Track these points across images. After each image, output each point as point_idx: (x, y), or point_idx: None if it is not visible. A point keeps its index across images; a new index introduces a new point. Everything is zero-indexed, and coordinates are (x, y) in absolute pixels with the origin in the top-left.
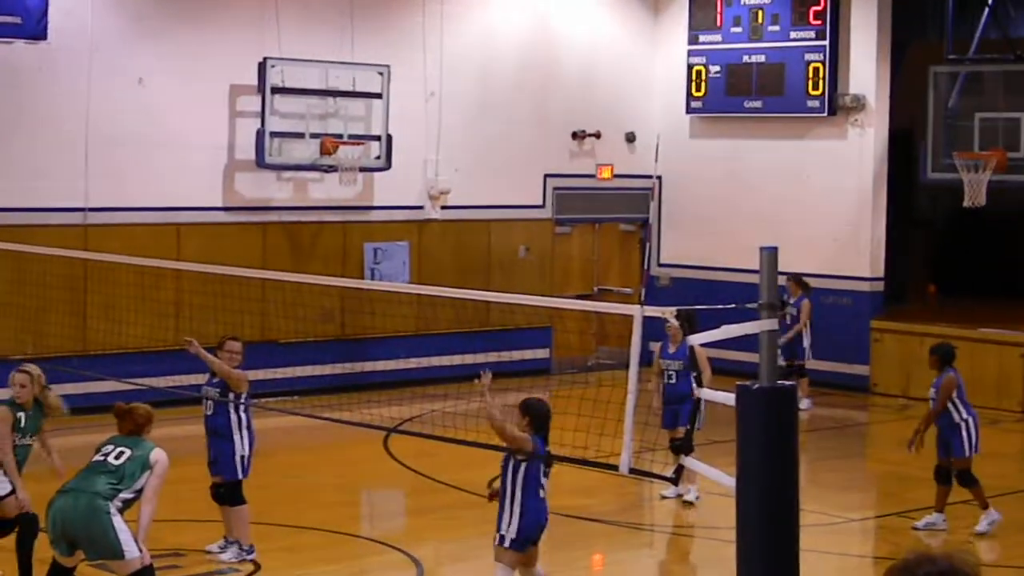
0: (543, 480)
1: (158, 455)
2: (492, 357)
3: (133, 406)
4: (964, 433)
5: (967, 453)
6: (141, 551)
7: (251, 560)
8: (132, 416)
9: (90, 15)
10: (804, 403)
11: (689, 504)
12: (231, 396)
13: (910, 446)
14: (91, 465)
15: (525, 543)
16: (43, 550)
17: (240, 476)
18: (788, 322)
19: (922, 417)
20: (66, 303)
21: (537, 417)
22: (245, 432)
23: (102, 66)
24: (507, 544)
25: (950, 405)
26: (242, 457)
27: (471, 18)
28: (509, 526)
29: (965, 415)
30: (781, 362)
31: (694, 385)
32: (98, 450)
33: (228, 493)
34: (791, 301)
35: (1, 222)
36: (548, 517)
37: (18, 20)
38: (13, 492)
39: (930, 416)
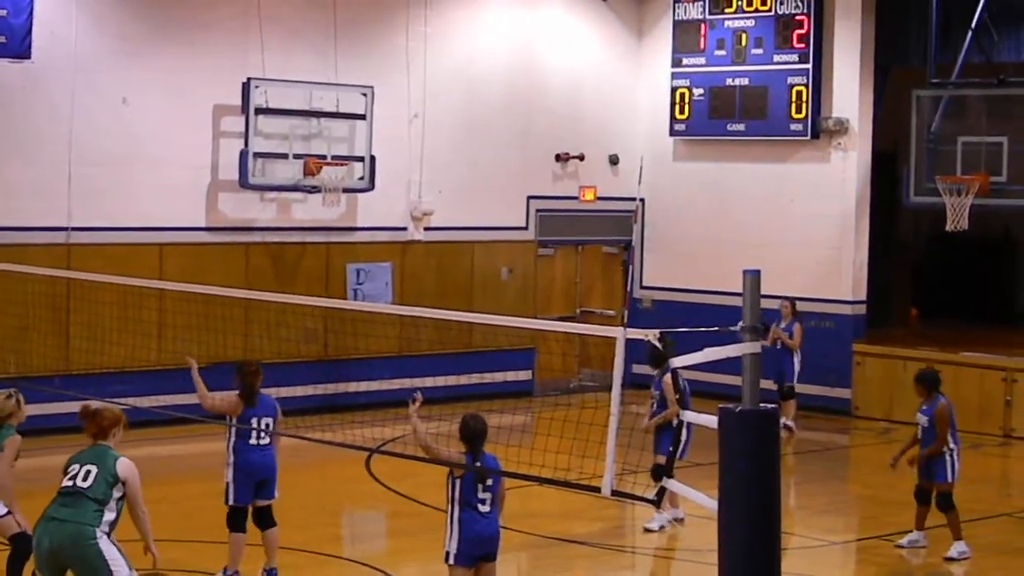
0: (481, 496)
1: (125, 471)
2: (475, 378)
3: (100, 408)
4: (949, 460)
5: (950, 479)
6: (131, 570)
7: None
8: (97, 419)
9: (75, 35)
10: (788, 421)
11: (649, 531)
12: (228, 419)
13: (893, 463)
14: (64, 491)
15: (468, 558)
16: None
17: (225, 501)
18: (779, 347)
19: (909, 440)
20: (48, 322)
21: (464, 433)
22: (231, 457)
23: (86, 86)
24: (451, 560)
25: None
26: (226, 483)
27: (455, 40)
28: (450, 541)
29: (952, 444)
30: (770, 384)
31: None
32: (65, 472)
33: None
34: (782, 325)
35: None
36: (493, 533)
37: (2, 39)
38: (9, 513)
39: (937, 449)
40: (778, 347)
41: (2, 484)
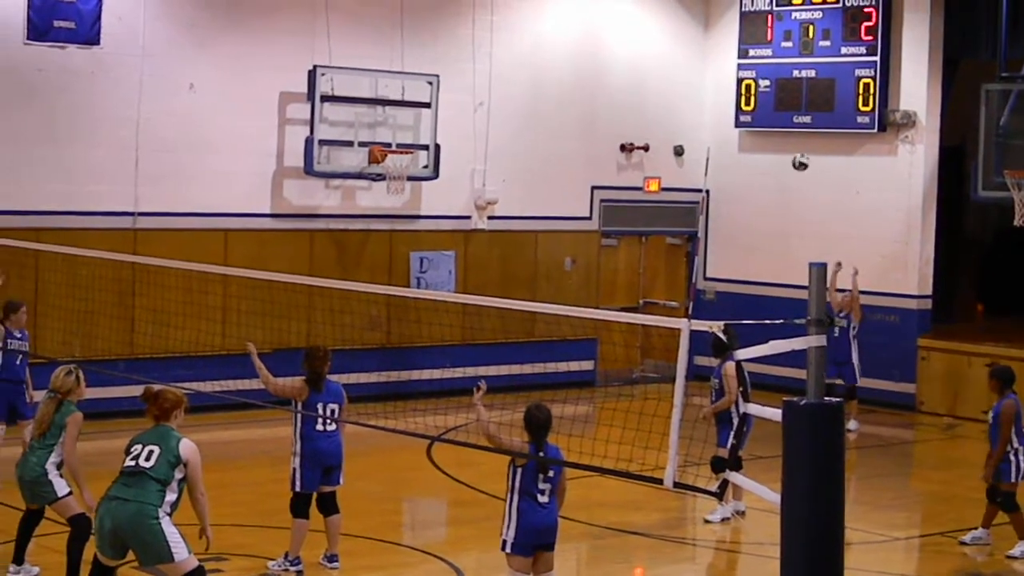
0: (540, 486)
1: (188, 452)
2: (537, 368)
3: (162, 389)
4: (1014, 459)
5: (1013, 479)
6: (190, 552)
7: (295, 571)
8: (159, 400)
9: (142, 21)
10: (851, 424)
11: (710, 523)
12: (293, 404)
13: (985, 479)
14: (126, 470)
15: (525, 547)
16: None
17: (291, 487)
18: (837, 334)
19: (991, 453)
20: (114, 306)
21: (528, 423)
22: (297, 444)
23: (154, 72)
24: (507, 549)
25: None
26: (293, 469)
27: (521, 29)
28: (507, 530)
29: (1017, 444)
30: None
31: (740, 401)
32: (127, 452)
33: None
34: (843, 313)
35: (52, 225)
36: (551, 523)
37: (72, 25)
38: (70, 493)
39: (1000, 450)
40: (836, 333)
41: (69, 463)
